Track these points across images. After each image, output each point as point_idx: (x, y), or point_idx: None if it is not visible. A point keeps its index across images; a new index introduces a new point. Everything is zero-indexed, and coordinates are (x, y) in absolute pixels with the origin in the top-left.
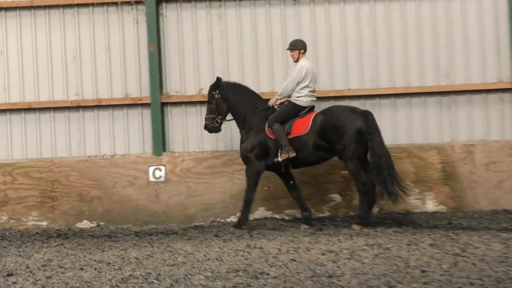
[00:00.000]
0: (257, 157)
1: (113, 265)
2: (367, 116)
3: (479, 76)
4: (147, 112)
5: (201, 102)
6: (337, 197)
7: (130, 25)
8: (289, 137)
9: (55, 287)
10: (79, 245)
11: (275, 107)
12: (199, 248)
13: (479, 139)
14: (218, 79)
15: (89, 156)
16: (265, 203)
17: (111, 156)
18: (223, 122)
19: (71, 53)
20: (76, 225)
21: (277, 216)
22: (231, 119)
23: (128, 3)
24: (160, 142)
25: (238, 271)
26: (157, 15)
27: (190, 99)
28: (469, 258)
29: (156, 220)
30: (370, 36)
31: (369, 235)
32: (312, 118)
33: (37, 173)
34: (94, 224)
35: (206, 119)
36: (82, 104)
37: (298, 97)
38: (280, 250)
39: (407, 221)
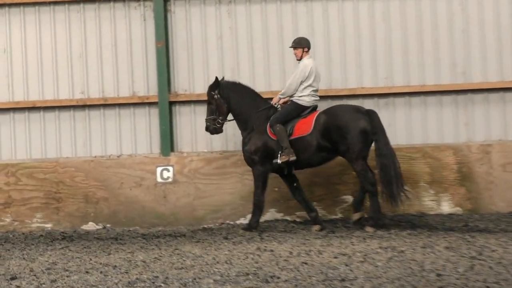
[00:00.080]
0: (262, 158)
1: (120, 269)
2: (372, 116)
3: (496, 74)
4: (154, 111)
5: None
6: (350, 199)
7: (137, 22)
8: (292, 138)
9: None
10: (85, 247)
11: (278, 106)
12: (208, 251)
13: (496, 139)
14: (217, 79)
15: (95, 156)
16: (276, 205)
17: (118, 157)
18: (225, 123)
19: (77, 51)
20: (82, 227)
21: (288, 218)
22: (232, 119)
23: None
24: (168, 142)
25: (248, 274)
26: (165, 11)
27: (199, 97)
28: (485, 261)
29: (163, 222)
30: (384, 33)
31: (383, 238)
32: (314, 118)
33: (42, 173)
34: (100, 226)
35: (206, 120)
36: (88, 103)
37: (301, 96)
38: (291, 253)
39: (422, 223)
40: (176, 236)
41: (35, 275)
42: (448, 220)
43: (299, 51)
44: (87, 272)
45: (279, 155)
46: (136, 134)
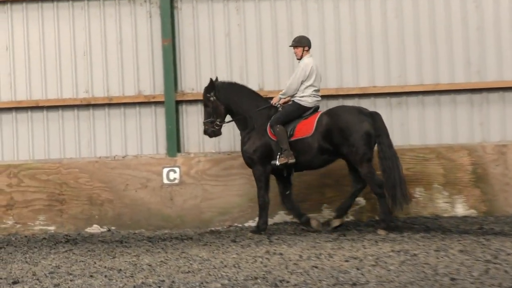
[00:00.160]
0: (261, 158)
1: (125, 272)
2: (375, 118)
3: None
4: (161, 111)
5: None
6: (361, 201)
7: (143, 19)
8: (292, 139)
9: None
10: (89, 251)
11: (278, 106)
12: (215, 254)
13: None
14: (211, 80)
15: (100, 157)
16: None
17: (123, 157)
18: (223, 125)
19: (81, 48)
20: (86, 230)
21: (298, 221)
22: (231, 121)
23: None
24: (174, 142)
25: (256, 278)
26: (172, 8)
27: None
28: (501, 265)
29: (170, 225)
30: (397, 31)
31: (395, 241)
32: (316, 120)
33: (45, 175)
34: (104, 229)
35: (204, 123)
36: (92, 102)
37: (302, 97)
38: (301, 256)
39: (435, 225)
40: (183, 239)
41: (37, 279)
42: (462, 222)
43: (299, 50)
44: (91, 276)
45: (278, 157)
46: (142, 134)
